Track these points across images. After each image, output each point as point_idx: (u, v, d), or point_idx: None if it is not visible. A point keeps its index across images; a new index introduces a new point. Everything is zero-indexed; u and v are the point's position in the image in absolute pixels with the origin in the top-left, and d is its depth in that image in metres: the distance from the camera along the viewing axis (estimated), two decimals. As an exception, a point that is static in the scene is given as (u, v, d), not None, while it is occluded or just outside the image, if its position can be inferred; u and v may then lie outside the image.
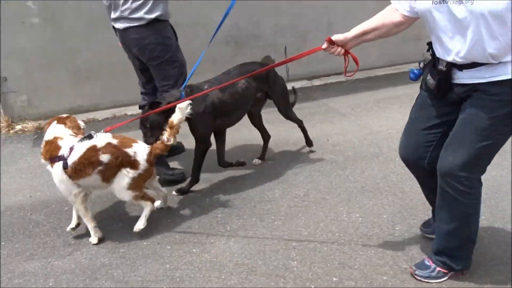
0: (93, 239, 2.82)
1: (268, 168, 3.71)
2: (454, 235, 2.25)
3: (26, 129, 4.86)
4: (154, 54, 3.37)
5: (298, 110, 4.86)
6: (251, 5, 5.41)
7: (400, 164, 2.67)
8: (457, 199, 2.15)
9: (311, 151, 3.91)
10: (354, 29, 2.26)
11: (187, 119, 2.87)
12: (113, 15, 3.41)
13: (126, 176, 2.72)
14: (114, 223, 3.05)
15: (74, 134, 2.82)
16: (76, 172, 2.66)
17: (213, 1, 4.74)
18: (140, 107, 3.18)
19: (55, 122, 2.87)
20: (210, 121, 3.22)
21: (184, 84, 3.19)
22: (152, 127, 3.02)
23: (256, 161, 3.80)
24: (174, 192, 3.37)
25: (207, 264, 2.59)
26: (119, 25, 3.41)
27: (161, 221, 3.05)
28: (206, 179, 3.57)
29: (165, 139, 2.76)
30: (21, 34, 4.80)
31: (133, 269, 2.59)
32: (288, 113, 3.77)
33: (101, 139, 2.72)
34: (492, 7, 1.81)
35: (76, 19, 4.93)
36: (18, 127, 4.92)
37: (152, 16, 3.28)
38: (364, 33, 2.23)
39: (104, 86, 5.20)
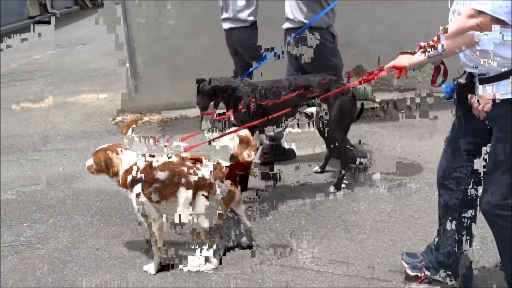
0: (153, 269, 2.60)
1: (354, 179, 3.57)
2: None
3: (152, 121, 5.14)
4: (257, 53, 3.50)
5: (389, 122, 4.67)
6: (348, 13, 5.12)
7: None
8: (511, 237, 1.91)
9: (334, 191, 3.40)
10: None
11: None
12: (223, 16, 3.64)
13: (202, 199, 2.45)
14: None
15: (151, 155, 2.61)
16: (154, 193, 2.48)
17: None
18: (197, 82, 3.18)
19: (121, 149, 2.62)
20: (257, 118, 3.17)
21: (244, 76, 3.25)
22: (202, 109, 3.10)
23: (317, 168, 3.70)
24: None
25: (287, 270, 2.58)
26: (226, 25, 3.64)
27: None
28: (292, 184, 3.55)
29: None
30: (131, 32, 5.09)
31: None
32: (334, 137, 3.36)
33: (175, 158, 2.52)
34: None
35: (179, 21, 5.07)
36: (146, 118, 5.24)
37: (254, 18, 3.43)
38: None
39: (198, 85, 5.35)
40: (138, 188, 2.49)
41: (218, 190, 2.45)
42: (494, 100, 1.77)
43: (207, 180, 2.43)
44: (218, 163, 2.51)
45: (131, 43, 5.13)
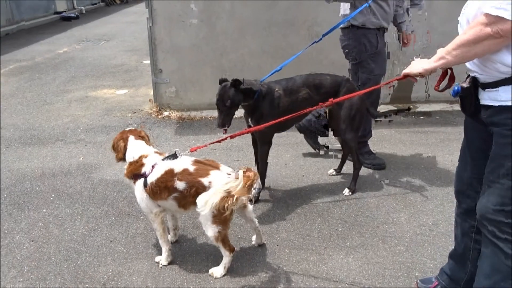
0: (164, 261, 2.68)
1: (396, 190, 3.54)
2: None
3: (170, 117, 5.32)
4: (350, 55, 3.78)
5: (435, 134, 4.61)
6: None
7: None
8: (498, 246, 1.86)
9: (349, 194, 3.47)
10: None
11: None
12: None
13: None
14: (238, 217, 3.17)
15: (158, 152, 2.67)
16: (153, 193, 2.53)
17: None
18: (220, 82, 3.17)
19: (133, 137, 2.70)
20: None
21: (264, 78, 3.26)
22: (231, 105, 3.06)
23: (332, 171, 3.81)
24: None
25: (323, 275, 2.57)
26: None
27: (281, 223, 3.10)
28: (329, 190, 3.55)
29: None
30: (180, 32, 5.27)
31: (252, 264, 2.68)
32: (345, 137, 3.42)
33: (180, 163, 2.52)
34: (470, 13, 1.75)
35: (228, 23, 5.25)
36: (166, 113, 5.40)
37: (352, 22, 3.61)
38: None
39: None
40: (140, 182, 2.56)
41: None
42: (494, 106, 1.80)
43: (206, 188, 2.42)
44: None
45: (153, 40, 5.28)
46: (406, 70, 2.10)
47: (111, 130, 4.95)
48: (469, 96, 1.89)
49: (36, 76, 7.29)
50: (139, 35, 10.55)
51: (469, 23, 1.77)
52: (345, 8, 3.72)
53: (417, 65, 2.03)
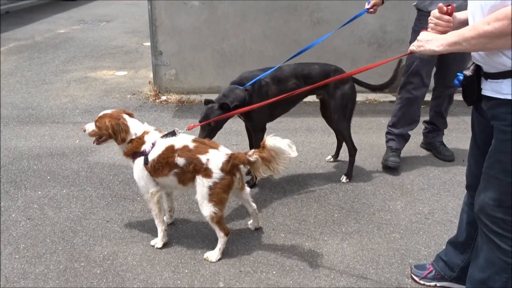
0: (159, 243, 2.69)
1: (393, 178, 3.54)
2: (486, 285, 1.93)
3: (169, 100, 5.30)
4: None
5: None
6: (402, 9, 5.16)
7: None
8: (494, 241, 1.85)
9: (346, 181, 3.48)
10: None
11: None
12: None
13: (201, 185, 2.46)
14: (235, 201, 3.17)
15: (157, 129, 2.68)
16: (154, 169, 2.53)
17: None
18: (205, 103, 3.12)
19: (128, 116, 2.66)
20: (268, 111, 3.23)
21: (250, 83, 3.15)
22: (215, 127, 3.08)
23: (329, 158, 3.82)
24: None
25: (317, 260, 2.58)
26: None
27: (278, 208, 3.11)
28: (326, 176, 3.55)
29: (249, 154, 2.43)
30: (181, 14, 5.22)
31: (247, 248, 2.69)
32: (339, 127, 3.45)
33: (180, 140, 2.55)
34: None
35: (230, 6, 5.20)
36: (163, 97, 5.39)
37: (414, 2, 3.62)
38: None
39: (243, 71, 5.42)
40: (140, 160, 2.56)
41: (215, 175, 2.44)
42: (495, 99, 1.74)
43: (203, 165, 2.45)
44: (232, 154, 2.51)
45: (153, 22, 5.23)
46: (414, 48, 1.94)
47: (110, 111, 4.93)
48: (471, 85, 1.83)
49: (36, 55, 7.24)
50: (140, 17, 10.45)
51: (493, 9, 1.61)
52: None
53: (426, 45, 1.86)
